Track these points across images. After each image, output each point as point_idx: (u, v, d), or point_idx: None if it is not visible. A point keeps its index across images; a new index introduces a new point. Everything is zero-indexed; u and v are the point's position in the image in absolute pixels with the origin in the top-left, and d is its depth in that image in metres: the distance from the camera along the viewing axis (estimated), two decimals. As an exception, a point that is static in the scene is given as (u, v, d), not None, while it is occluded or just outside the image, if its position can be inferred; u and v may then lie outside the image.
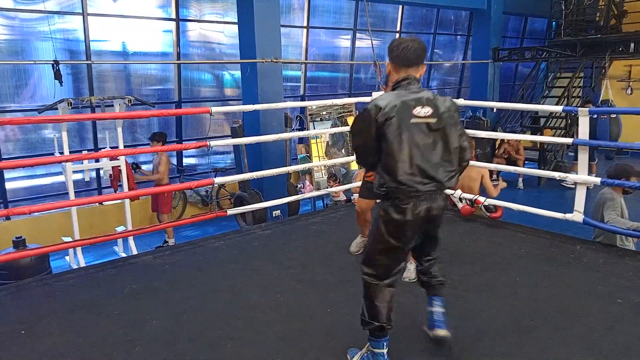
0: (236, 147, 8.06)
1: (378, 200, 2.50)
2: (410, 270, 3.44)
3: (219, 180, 4.79)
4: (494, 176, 10.22)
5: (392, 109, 2.23)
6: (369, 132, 2.27)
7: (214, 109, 4.36)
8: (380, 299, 2.36)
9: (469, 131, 5.27)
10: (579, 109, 4.14)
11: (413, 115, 2.24)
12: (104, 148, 6.17)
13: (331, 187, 7.75)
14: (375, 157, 2.31)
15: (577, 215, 4.18)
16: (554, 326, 2.83)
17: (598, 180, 4.07)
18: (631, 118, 10.34)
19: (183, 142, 8.38)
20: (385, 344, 2.42)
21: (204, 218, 4.64)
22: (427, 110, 2.26)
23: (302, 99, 9.82)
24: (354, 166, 8.85)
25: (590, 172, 9.65)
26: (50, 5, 6.80)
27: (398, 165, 2.23)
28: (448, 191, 4.18)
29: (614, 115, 9.84)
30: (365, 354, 2.46)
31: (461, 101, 5.86)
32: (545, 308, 3.04)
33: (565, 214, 4.24)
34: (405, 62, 2.34)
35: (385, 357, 2.42)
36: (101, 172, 6.22)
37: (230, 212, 4.77)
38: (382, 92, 3.35)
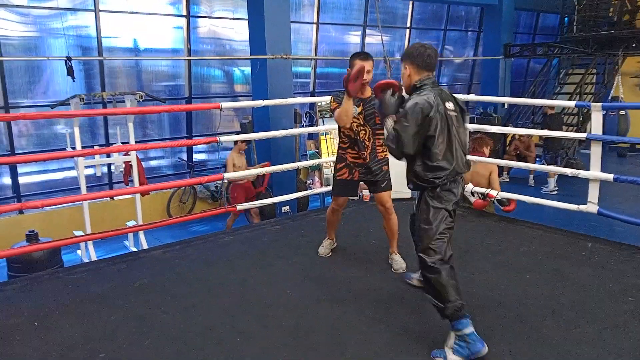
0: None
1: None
2: (397, 261, 3.56)
3: (228, 175, 4.81)
4: (504, 174, 10.17)
5: (437, 105, 2.53)
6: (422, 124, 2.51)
7: (224, 105, 4.37)
8: (452, 278, 2.48)
9: (479, 127, 5.28)
10: (592, 104, 4.09)
11: (447, 108, 2.57)
12: (115, 143, 6.22)
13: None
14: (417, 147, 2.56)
15: (591, 207, 4.16)
16: (564, 324, 2.81)
17: (611, 176, 4.02)
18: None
19: (193, 138, 8.43)
20: (470, 322, 2.45)
21: (213, 213, 4.66)
22: (451, 105, 2.62)
23: (312, 95, 9.82)
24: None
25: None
26: (63, 2, 6.87)
27: (443, 153, 2.54)
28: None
29: (623, 112, 9.69)
30: (456, 343, 2.45)
31: (472, 96, 5.84)
32: (556, 306, 3.02)
33: (579, 205, 4.22)
34: (429, 66, 2.66)
35: (476, 334, 2.43)
36: (113, 167, 6.27)
37: (239, 207, 4.79)
38: None
